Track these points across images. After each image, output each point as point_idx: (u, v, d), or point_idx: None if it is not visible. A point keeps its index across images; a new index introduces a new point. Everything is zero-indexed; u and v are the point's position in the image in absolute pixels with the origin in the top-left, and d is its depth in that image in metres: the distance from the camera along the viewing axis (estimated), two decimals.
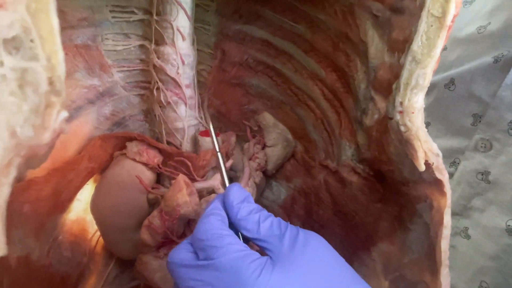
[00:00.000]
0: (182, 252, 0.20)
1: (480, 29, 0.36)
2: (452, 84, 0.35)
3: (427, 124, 0.38)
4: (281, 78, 0.39)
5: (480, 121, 0.33)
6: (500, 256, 0.31)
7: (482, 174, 0.32)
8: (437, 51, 0.17)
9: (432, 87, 0.38)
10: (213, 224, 0.20)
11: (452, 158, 0.35)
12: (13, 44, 0.08)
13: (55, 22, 0.09)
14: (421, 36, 0.17)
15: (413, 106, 0.18)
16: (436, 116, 0.37)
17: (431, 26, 0.16)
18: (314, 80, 0.36)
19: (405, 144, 0.19)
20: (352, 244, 0.33)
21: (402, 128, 0.18)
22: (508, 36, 0.33)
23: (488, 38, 0.35)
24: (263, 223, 0.20)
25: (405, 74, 0.18)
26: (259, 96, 0.41)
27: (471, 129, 0.34)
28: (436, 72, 0.39)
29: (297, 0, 0.34)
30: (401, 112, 0.18)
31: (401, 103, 0.18)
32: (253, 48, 0.39)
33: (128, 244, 0.32)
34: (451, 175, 0.35)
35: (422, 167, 0.18)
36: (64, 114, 0.10)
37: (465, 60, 0.36)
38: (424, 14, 0.16)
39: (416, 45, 0.17)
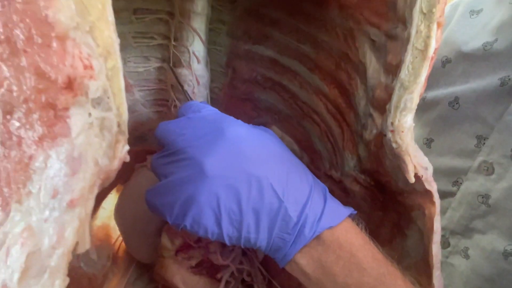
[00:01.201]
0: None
1: (486, 46, 0.35)
2: (457, 103, 0.35)
3: (430, 141, 0.38)
4: (288, 93, 0.42)
5: (484, 144, 0.33)
6: (495, 279, 0.31)
7: (483, 197, 0.32)
8: (422, 79, 0.19)
9: (435, 103, 0.38)
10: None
11: (455, 177, 0.35)
12: (97, 101, 0.11)
13: (122, 83, 0.12)
14: (407, 66, 0.19)
15: (403, 126, 0.20)
16: (439, 134, 0.37)
17: (416, 57, 0.19)
18: (319, 95, 0.39)
19: (397, 159, 0.22)
20: None
21: (394, 145, 0.21)
22: None
23: (494, 57, 0.34)
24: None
25: (395, 98, 0.20)
26: (268, 110, 0.44)
27: (474, 151, 0.34)
28: (439, 86, 0.40)
29: (302, 22, 0.37)
30: (392, 131, 0.21)
31: (392, 123, 0.20)
32: (261, 66, 0.42)
33: (148, 249, 0.35)
34: (453, 194, 0.35)
35: (412, 179, 0.20)
36: (127, 147, 0.13)
37: (470, 77, 0.36)
38: (409, 47, 0.19)
39: (404, 74, 0.19)
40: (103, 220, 0.35)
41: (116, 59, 0.12)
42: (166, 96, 0.36)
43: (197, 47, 0.32)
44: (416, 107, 0.20)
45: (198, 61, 0.33)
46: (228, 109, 0.43)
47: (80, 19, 0.10)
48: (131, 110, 0.36)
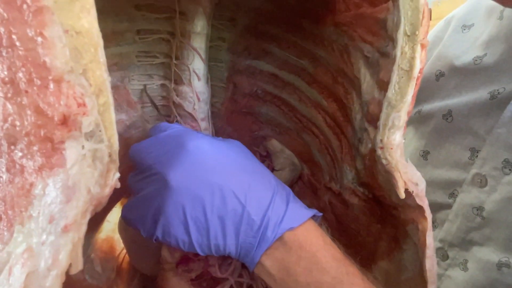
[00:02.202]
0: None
1: (476, 60, 0.36)
2: (450, 116, 0.36)
3: (426, 153, 0.39)
4: (287, 107, 0.43)
5: (477, 156, 0.33)
6: None
7: (478, 209, 0.32)
8: (409, 98, 0.20)
9: (430, 116, 0.39)
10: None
11: (451, 189, 0.36)
12: (90, 134, 0.12)
13: (113, 116, 0.13)
14: (394, 86, 0.20)
15: (391, 143, 0.21)
16: (435, 146, 0.38)
17: (402, 77, 0.20)
18: (317, 108, 0.40)
19: (389, 174, 0.22)
20: (356, 262, 0.36)
21: (384, 161, 0.21)
22: (504, 71, 0.34)
23: (484, 71, 0.35)
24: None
25: (383, 116, 0.21)
26: (268, 123, 0.44)
27: (468, 163, 0.34)
28: (434, 99, 0.41)
29: (300, 38, 0.38)
30: (381, 147, 0.21)
31: (381, 141, 0.21)
32: (261, 80, 0.43)
33: (151, 261, 0.36)
34: (450, 206, 0.36)
35: (403, 195, 0.21)
36: (117, 175, 0.14)
37: (463, 91, 0.37)
38: (395, 67, 0.20)
39: (390, 93, 0.20)
40: (107, 233, 0.36)
41: (108, 96, 0.13)
42: (168, 112, 0.38)
43: (197, 65, 0.34)
44: (404, 124, 0.20)
45: (199, 79, 0.34)
46: (229, 123, 0.45)
47: (74, 63, 0.11)
48: (135, 126, 0.38)
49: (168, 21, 0.34)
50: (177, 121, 0.36)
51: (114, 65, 0.35)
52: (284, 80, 0.41)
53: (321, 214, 0.27)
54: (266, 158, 0.43)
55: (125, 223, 0.26)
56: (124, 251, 0.37)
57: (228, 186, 0.23)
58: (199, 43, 0.34)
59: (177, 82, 0.35)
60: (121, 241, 0.36)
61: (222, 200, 0.22)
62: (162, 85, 0.37)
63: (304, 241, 0.23)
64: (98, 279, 0.33)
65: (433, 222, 0.40)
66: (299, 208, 0.25)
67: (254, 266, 0.23)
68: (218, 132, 0.44)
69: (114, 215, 0.37)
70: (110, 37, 0.33)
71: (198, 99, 0.34)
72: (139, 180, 0.25)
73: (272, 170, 0.42)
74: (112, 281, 0.35)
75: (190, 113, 0.34)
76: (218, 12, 0.37)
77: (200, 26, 0.33)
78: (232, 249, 0.23)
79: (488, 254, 0.31)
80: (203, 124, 0.36)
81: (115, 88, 0.36)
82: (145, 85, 0.36)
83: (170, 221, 0.22)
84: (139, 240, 0.35)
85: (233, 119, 0.44)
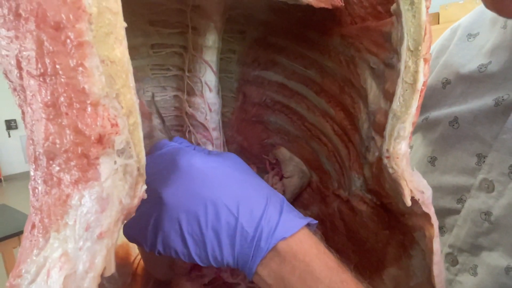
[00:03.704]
0: None
1: (481, 68, 0.37)
2: (456, 123, 0.36)
3: (434, 159, 0.39)
4: (296, 116, 0.44)
5: (484, 162, 0.34)
6: None
7: (485, 214, 0.33)
8: (413, 109, 0.20)
9: (437, 123, 0.40)
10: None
11: (459, 195, 0.36)
12: (121, 151, 0.13)
13: (141, 134, 0.14)
14: (398, 98, 0.21)
15: (397, 152, 0.21)
16: (442, 152, 0.38)
17: (406, 90, 0.20)
18: (325, 117, 0.41)
19: (395, 183, 0.23)
20: (366, 269, 0.36)
21: (390, 170, 0.22)
22: (508, 79, 0.34)
23: (489, 78, 0.36)
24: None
25: (388, 127, 0.22)
26: (277, 132, 0.46)
27: (475, 169, 0.34)
28: (440, 107, 0.42)
29: (308, 49, 0.39)
30: (388, 157, 0.22)
31: (387, 150, 0.22)
32: (270, 90, 0.44)
33: (165, 267, 0.37)
34: (458, 211, 0.36)
35: (409, 203, 0.22)
36: (145, 187, 0.15)
37: (468, 98, 0.37)
38: (400, 81, 0.21)
39: (395, 105, 0.21)
40: (123, 239, 0.37)
41: (136, 116, 0.14)
42: (181, 122, 0.39)
43: (209, 77, 0.35)
44: (409, 135, 0.21)
45: (210, 90, 0.35)
46: (239, 131, 0.46)
47: (109, 89, 0.13)
48: (149, 136, 0.39)
49: (181, 36, 0.36)
50: (189, 131, 0.37)
51: None
52: (292, 89, 0.43)
53: (316, 222, 0.27)
54: (275, 166, 0.44)
55: (128, 240, 0.27)
56: (139, 257, 0.39)
57: (221, 200, 0.23)
58: (210, 56, 0.35)
59: (190, 94, 0.36)
60: (136, 247, 0.37)
61: (215, 213, 0.23)
62: (175, 96, 0.39)
63: (298, 251, 0.23)
64: (115, 284, 0.34)
65: (442, 228, 0.40)
66: (293, 217, 0.25)
67: (251, 275, 0.24)
68: (229, 140, 0.45)
69: None
70: None
71: (210, 109, 0.36)
72: None
73: (282, 177, 0.43)
74: (128, 286, 0.36)
75: (202, 123, 0.36)
76: (228, 25, 0.39)
77: (211, 40, 0.34)
78: (230, 260, 0.24)
79: (496, 259, 0.32)
80: (215, 134, 0.37)
81: None
82: (153, 94, 0.37)
83: (168, 235, 0.24)
84: None
85: (243, 128, 0.46)
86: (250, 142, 0.46)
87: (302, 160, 0.44)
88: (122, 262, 0.37)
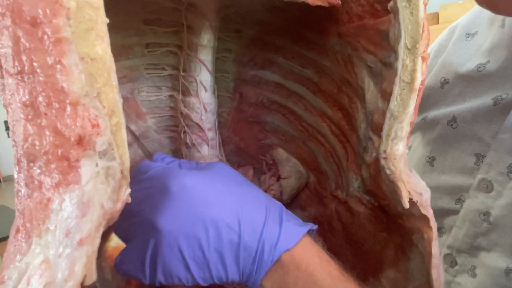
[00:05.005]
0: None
1: (479, 67, 0.37)
2: (455, 122, 0.36)
3: (432, 159, 0.39)
4: (293, 116, 0.43)
5: (482, 161, 0.33)
6: None
7: (484, 215, 0.32)
8: (411, 109, 0.20)
9: (436, 123, 0.39)
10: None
11: (457, 195, 0.36)
12: (103, 153, 0.13)
13: (124, 135, 0.14)
14: (396, 97, 0.20)
15: (395, 153, 0.21)
16: (440, 152, 0.38)
17: (404, 89, 0.20)
18: (323, 117, 0.40)
19: (392, 184, 0.22)
20: (364, 271, 0.36)
21: (388, 171, 0.22)
22: (506, 78, 0.34)
23: (487, 77, 0.36)
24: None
25: (386, 127, 0.21)
26: (274, 132, 0.45)
27: (474, 168, 0.34)
28: (439, 106, 0.41)
29: (305, 49, 0.39)
30: (385, 158, 0.21)
31: (385, 151, 0.21)
32: (267, 90, 0.43)
33: None
34: (457, 212, 0.36)
35: (406, 205, 0.21)
36: (129, 190, 0.14)
37: (467, 97, 0.37)
38: (397, 79, 0.20)
39: (393, 104, 0.20)
40: (118, 241, 0.36)
41: (120, 116, 0.14)
42: (176, 122, 0.38)
43: (204, 76, 0.35)
44: (407, 135, 0.21)
45: (206, 90, 0.35)
46: (236, 132, 0.45)
47: (89, 87, 0.12)
48: (144, 136, 0.39)
49: (175, 35, 0.35)
50: (184, 131, 0.37)
51: (124, 77, 0.36)
52: (289, 89, 0.42)
53: (316, 226, 0.26)
54: (272, 167, 0.44)
55: (121, 274, 0.25)
56: None
57: (221, 218, 0.23)
58: (205, 55, 0.34)
59: (185, 94, 0.36)
60: None
61: (217, 233, 0.22)
62: (170, 96, 0.38)
63: (301, 261, 0.23)
64: (108, 287, 0.34)
65: (440, 228, 0.40)
66: (293, 226, 0.25)
67: None
68: (225, 141, 0.45)
69: None
70: (120, 51, 0.34)
71: (205, 109, 0.35)
72: (127, 227, 0.25)
73: (279, 178, 0.42)
74: None
75: (197, 123, 0.35)
76: (224, 24, 0.38)
77: (206, 39, 0.34)
78: (236, 277, 0.23)
79: (495, 260, 0.31)
80: (210, 134, 0.36)
81: (125, 99, 0.37)
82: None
83: (169, 263, 0.22)
84: None
85: (240, 128, 0.45)
86: (246, 143, 0.45)
87: (300, 160, 0.44)
88: None
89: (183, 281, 0.23)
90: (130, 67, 0.36)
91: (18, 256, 0.14)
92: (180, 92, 0.36)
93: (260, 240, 0.22)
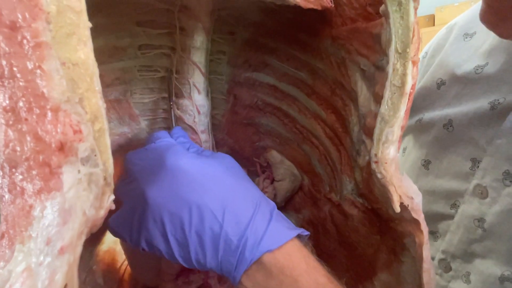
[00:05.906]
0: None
1: (477, 69, 0.36)
2: (451, 126, 0.36)
3: (428, 162, 0.38)
4: (287, 118, 0.43)
5: (478, 166, 0.33)
6: None
7: (479, 221, 0.32)
8: (401, 113, 0.20)
9: (431, 125, 0.39)
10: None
11: (452, 200, 0.35)
12: (85, 159, 0.12)
13: (108, 141, 0.14)
14: (387, 101, 0.20)
15: (386, 157, 0.21)
16: (436, 156, 0.37)
17: (394, 93, 0.20)
18: (317, 120, 0.40)
19: (384, 188, 0.22)
20: (357, 273, 0.35)
21: (379, 175, 0.22)
22: (504, 81, 0.33)
23: (485, 80, 0.35)
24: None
25: (376, 131, 0.21)
26: (268, 134, 0.45)
27: (469, 173, 0.34)
28: (435, 108, 0.41)
29: (299, 51, 0.39)
30: (376, 162, 0.21)
31: (376, 155, 0.21)
32: (261, 92, 0.43)
33: (152, 272, 0.36)
34: (452, 217, 0.35)
35: (397, 209, 0.21)
36: (112, 197, 0.14)
37: (463, 100, 0.36)
38: (388, 84, 0.20)
39: (384, 108, 0.20)
40: (109, 244, 0.36)
41: (103, 122, 0.13)
42: (169, 125, 0.38)
43: (197, 79, 0.34)
44: (397, 139, 0.21)
45: (199, 92, 0.35)
46: (230, 134, 0.45)
47: (71, 93, 0.12)
48: (137, 138, 0.38)
49: (168, 37, 0.35)
50: None
51: (117, 79, 0.35)
52: (283, 91, 0.42)
53: (307, 233, 0.26)
54: (266, 169, 0.43)
55: (112, 234, 0.26)
56: (126, 262, 0.38)
57: (206, 204, 0.23)
58: (199, 57, 0.34)
59: (178, 96, 0.36)
60: (122, 252, 0.37)
61: (200, 218, 0.23)
62: (163, 98, 0.38)
63: (286, 265, 0.22)
64: None
65: (435, 233, 0.40)
66: (281, 228, 0.24)
67: (236, 284, 0.23)
68: (219, 143, 0.44)
69: None
70: (112, 53, 0.34)
71: (198, 112, 0.35)
72: (124, 191, 0.26)
73: (273, 180, 0.42)
74: None
75: (190, 126, 0.35)
76: (218, 26, 0.38)
77: (199, 41, 0.34)
78: (213, 265, 0.23)
79: (490, 267, 0.31)
80: (203, 137, 0.36)
81: (117, 102, 0.36)
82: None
83: (152, 234, 0.23)
84: (139, 252, 0.36)
85: (234, 131, 0.45)
86: (241, 145, 0.45)
87: (294, 163, 0.44)
88: (108, 268, 0.36)
89: (164, 254, 0.24)
90: (123, 69, 0.36)
91: (1, 263, 0.13)
92: (173, 95, 0.36)
93: (244, 236, 0.22)
